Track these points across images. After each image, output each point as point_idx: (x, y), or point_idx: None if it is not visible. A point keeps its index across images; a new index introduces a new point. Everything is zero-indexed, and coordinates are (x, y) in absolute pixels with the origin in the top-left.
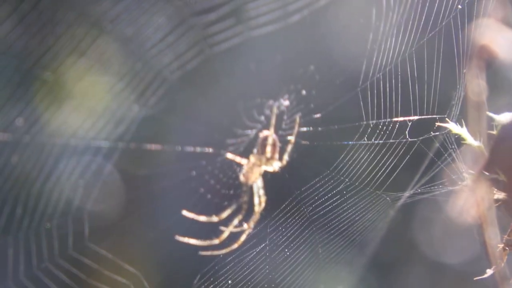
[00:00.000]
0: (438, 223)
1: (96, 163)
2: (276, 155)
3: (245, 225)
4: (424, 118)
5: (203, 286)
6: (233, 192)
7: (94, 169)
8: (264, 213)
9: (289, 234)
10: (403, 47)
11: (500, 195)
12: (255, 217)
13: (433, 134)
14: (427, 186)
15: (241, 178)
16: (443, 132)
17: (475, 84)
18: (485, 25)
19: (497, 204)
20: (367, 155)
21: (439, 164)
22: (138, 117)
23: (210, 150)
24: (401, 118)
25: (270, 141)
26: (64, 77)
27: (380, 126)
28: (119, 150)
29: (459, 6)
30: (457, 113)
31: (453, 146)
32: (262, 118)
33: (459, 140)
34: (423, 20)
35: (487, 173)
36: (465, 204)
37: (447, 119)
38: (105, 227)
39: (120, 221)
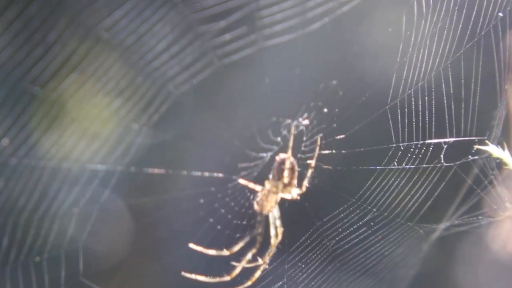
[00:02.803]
0: (479, 259)
1: (91, 188)
2: (295, 181)
3: (259, 260)
4: (461, 140)
5: None
6: (246, 222)
7: (89, 196)
8: (281, 247)
9: (309, 271)
10: (437, 60)
11: None
12: (271, 251)
13: (471, 158)
14: (465, 217)
15: (255, 206)
16: (483, 156)
17: None
18: None
19: None
20: (397, 181)
21: (479, 192)
22: (138, 139)
23: (220, 175)
24: (435, 140)
25: (287, 165)
26: (61, 96)
27: (412, 149)
28: (117, 174)
29: (500, 14)
30: (499, 134)
31: (494, 172)
32: (279, 139)
33: (500, 164)
34: (459, 29)
35: None
36: (509, 237)
37: (487, 141)
38: (102, 260)
39: (119, 254)
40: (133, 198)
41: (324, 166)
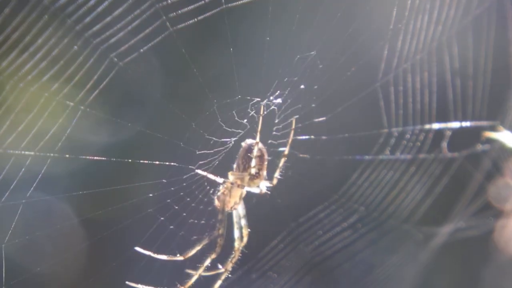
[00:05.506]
0: (492, 268)
1: (15, 178)
2: (264, 172)
3: (220, 268)
4: (469, 126)
5: None
6: (205, 221)
7: (12, 187)
8: (248, 252)
9: (282, 282)
10: (440, 28)
11: None
12: (235, 256)
13: (481, 147)
14: (474, 218)
15: (216, 202)
16: (495, 145)
17: None
18: None
19: None
20: (390, 175)
21: (491, 188)
22: (73, 119)
23: (174, 164)
24: (438, 125)
25: (255, 152)
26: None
27: (408, 136)
28: (48, 162)
29: None
30: None
31: (509, 163)
32: (245, 121)
33: None
34: None
35: None
36: None
37: (500, 126)
38: (31, 262)
39: (51, 258)
40: (65, 191)
41: (300, 155)
